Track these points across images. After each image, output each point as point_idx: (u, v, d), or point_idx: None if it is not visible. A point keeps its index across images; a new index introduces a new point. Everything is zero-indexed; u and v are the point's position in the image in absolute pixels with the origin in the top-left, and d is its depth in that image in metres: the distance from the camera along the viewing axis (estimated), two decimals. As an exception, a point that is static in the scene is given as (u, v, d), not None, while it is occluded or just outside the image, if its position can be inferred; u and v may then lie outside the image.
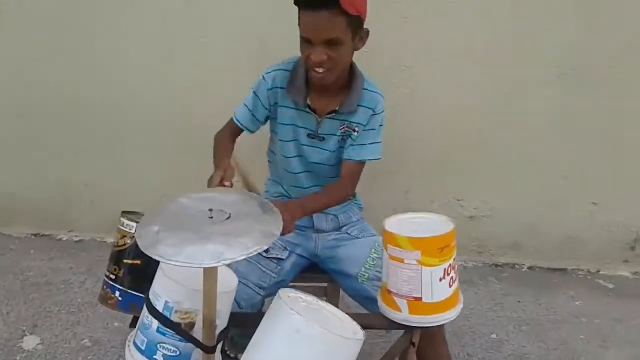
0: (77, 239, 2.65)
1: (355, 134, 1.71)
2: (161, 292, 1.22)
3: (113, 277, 1.39)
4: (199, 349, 1.24)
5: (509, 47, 2.23)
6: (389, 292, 1.43)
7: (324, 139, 1.70)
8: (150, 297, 1.25)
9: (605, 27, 2.21)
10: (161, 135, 2.46)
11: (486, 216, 2.51)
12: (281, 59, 1.79)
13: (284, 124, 1.71)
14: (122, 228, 1.40)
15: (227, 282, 1.29)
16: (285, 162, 1.77)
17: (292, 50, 2.10)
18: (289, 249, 1.76)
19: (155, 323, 1.23)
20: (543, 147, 2.41)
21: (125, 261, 1.38)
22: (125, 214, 1.44)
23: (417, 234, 1.39)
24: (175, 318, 1.21)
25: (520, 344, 2.20)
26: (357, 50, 1.59)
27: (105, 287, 1.41)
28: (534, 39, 2.22)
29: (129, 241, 1.38)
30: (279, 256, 1.73)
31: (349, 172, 1.73)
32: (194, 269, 1.28)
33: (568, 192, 2.49)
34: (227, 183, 1.42)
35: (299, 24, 1.53)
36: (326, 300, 1.85)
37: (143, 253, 1.31)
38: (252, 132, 1.74)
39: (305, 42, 1.52)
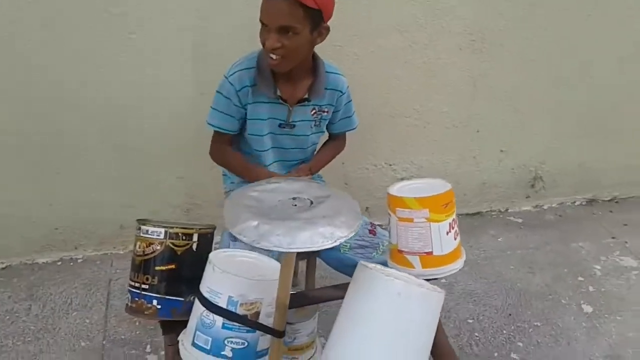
0: (3, 266, 2.41)
1: (326, 114, 1.81)
2: (221, 288, 1.23)
3: (146, 286, 1.35)
4: (264, 337, 1.28)
5: (428, 21, 2.43)
6: (400, 251, 1.55)
7: (294, 125, 1.77)
8: (207, 295, 1.25)
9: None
10: (88, 144, 2.30)
11: (415, 175, 2.72)
12: (219, 54, 1.82)
13: (257, 119, 1.74)
14: (146, 236, 1.36)
15: (276, 272, 1.32)
16: (256, 155, 1.82)
17: (230, 43, 2.13)
18: None
19: (220, 320, 1.24)
20: (458, 106, 2.66)
21: (157, 268, 1.35)
22: (142, 221, 1.39)
23: (423, 194, 1.53)
24: (241, 311, 1.23)
25: (467, 282, 2.47)
26: (315, 44, 1.66)
27: (136, 298, 1.37)
28: (446, 11, 2.43)
29: (158, 247, 1.35)
30: None
31: (342, 139, 2.00)
32: (246, 259, 1.34)
33: (481, 144, 2.79)
34: None
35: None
36: (306, 272, 1.97)
37: (175, 256, 1.35)
38: (237, 134, 1.75)
39: (262, 25, 1.58)
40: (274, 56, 1.57)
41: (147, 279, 1.35)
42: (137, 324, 2.13)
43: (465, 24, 2.49)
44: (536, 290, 2.46)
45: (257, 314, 1.24)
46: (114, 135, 2.30)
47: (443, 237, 1.55)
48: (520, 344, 2.17)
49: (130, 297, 1.38)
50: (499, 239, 2.78)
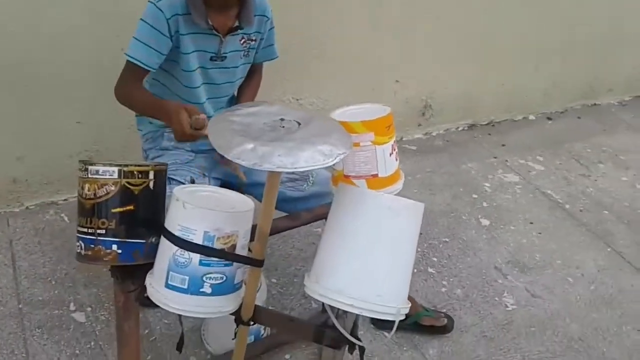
0: None
1: (254, 42, 1.74)
2: (195, 224, 1.18)
3: (102, 231, 1.24)
4: (241, 269, 1.25)
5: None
6: (347, 176, 1.57)
7: (225, 57, 1.69)
8: (179, 234, 1.18)
9: None
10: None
11: (321, 108, 2.75)
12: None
13: (187, 53, 1.62)
14: (96, 177, 1.24)
15: (246, 202, 1.28)
16: (188, 92, 1.70)
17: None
18: (206, 174, 1.75)
19: (196, 257, 1.19)
20: (353, 40, 2.70)
21: (114, 210, 1.24)
22: (87, 162, 1.27)
23: (365, 117, 1.56)
24: (218, 245, 1.19)
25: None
26: None
27: (91, 245, 1.25)
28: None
29: (112, 188, 1.24)
30: (204, 184, 1.71)
31: (260, 71, 1.90)
32: (210, 193, 1.28)
33: (378, 76, 2.87)
34: (202, 116, 1.35)
35: None
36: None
37: (132, 196, 1.26)
38: (155, 70, 1.61)
39: None
40: None
41: (103, 223, 1.24)
42: (53, 282, 1.97)
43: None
44: (439, 209, 2.65)
45: (234, 246, 1.21)
46: (1, 77, 2.03)
47: (387, 159, 1.60)
48: (435, 259, 2.34)
49: (83, 245, 1.26)
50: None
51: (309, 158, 0.96)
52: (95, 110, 2.21)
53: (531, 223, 2.63)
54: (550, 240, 2.53)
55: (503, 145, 3.24)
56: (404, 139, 3.17)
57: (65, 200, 2.35)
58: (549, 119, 3.60)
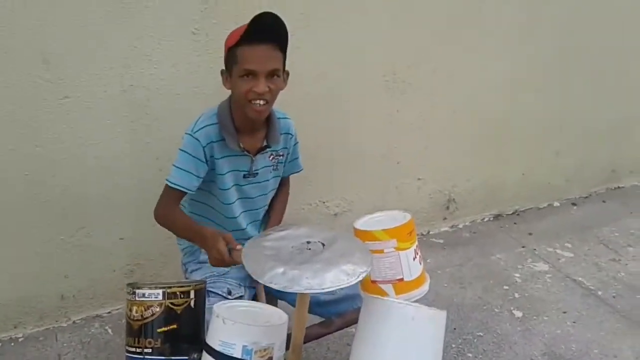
0: None
1: (282, 157, 1.91)
2: (234, 339, 1.27)
3: (149, 350, 1.35)
4: (279, 380, 1.32)
5: (345, 66, 2.62)
6: (374, 282, 1.66)
7: (257, 173, 1.85)
8: (220, 349, 1.27)
9: None
10: (16, 210, 2.20)
11: (347, 210, 2.88)
12: (154, 112, 1.93)
13: (222, 174, 1.78)
14: (143, 299, 1.36)
15: (281, 316, 1.37)
16: (225, 208, 1.85)
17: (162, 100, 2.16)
18: (241, 284, 1.85)
19: (236, 371, 1.26)
20: (374, 141, 2.86)
21: (159, 330, 1.35)
22: (135, 285, 1.39)
23: (389, 225, 1.67)
24: (255, 358, 1.27)
25: (409, 306, 2.63)
26: (282, 89, 1.74)
27: (139, 364, 1.35)
28: (360, 55, 2.65)
29: (157, 309, 1.35)
30: (240, 294, 1.81)
31: (288, 183, 2.07)
32: (246, 308, 1.38)
33: (400, 174, 3.00)
34: (238, 247, 1.48)
35: (234, 63, 1.64)
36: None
37: (176, 316, 1.36)
38: (193, 192, 1.76)
39: (246, 76, 1.63)
40: (260, 102, 1.64)
41: (150, 342, 1.34)
42: (99, 396, 2.05)
43: (377, 65, 2.71)
44: (471, 303, 2.67)
45: (271, 358, 1.29)
46: (47, 199, 2.22)
47: (411, 263, 1.69)
48: (470, 355, 2.35)
49: (132, 365, 1.36)
50: (428, 260, 2.98)
51: (334, 278, 1.06)
52: (137, 226, 2.37)
53: (564, 312, 2.63)
54: (585, 329, 2.52)
55: (530, 234, 3.29)
56: (430, 232, 3.24)
57: (109, 313, 2.46)
58: (574, 204, 3.65)
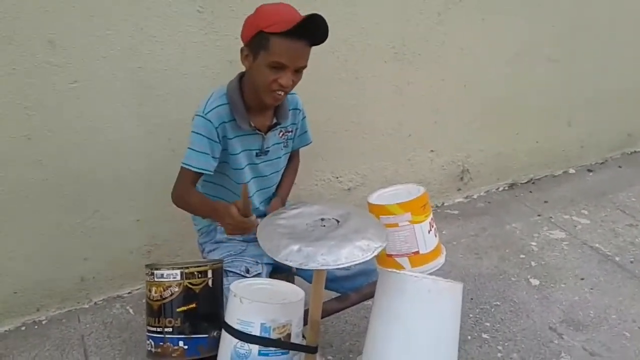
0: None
1: (291, 133, 1.91)
2: (253, 317, 1.28)
3: (170, 329, 1.37)
4: (297, 356, 1.34)
5: (355, 40, 2.59)
6: (389, 255, 1.67)
7: (268, 151, 1.85)
8: (238, 327, 1.29)
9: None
10: (34, 194, 2.22)
11: (360, 185, 2.87)
12: (163, 93, 1.95)
13: (236, 154, 1.79)
14: (162, 280, 1.38)
15: (297, 293, 1.38)
16: (239, 188, 1.83)
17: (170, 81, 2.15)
18: (258, 261, 1.86)
19: (255, 348, 1.29)
20: (386, 114, 2.84)
21: (178, 310, 1.37)
22: (153, 266, 1.41)
23: (403, 199, 1.66)
24: (274, 335, 1.29)
25: (425, 277, 2.64)
26: None
27: (160, 343, 1.38)
28: (370, 29, 2.62)
29: (176, 289, 1.37)
30: (258, 271, 1.82)
31: (297, 156, 2.09)
32: (263, 286, 1.39)
33: (412, 147, 2.99)
34: (252, 217, 1.50)
35: (262, 49, 1.61)
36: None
37: (194, 295, 1.38)
38: (212, 173, 1.77)
39: (275, 67, 1.62)
40: (282, 92, 1.65)
41: (170, 321, 1.37)
42: (123, 375, 2.09)
43: (387, 38, 2.68)
44: (487, 272, 2.67)
45: (289, 335, 1.31)
46: (61, 183, 2.23)
47: (426, 236, 1.69)
48: (488, 324, 2.36)
49: (152, 343, 1.39)
50: (444, 232, 2.98)
51: (349, 254, 1.06)
52: (152, 207, 2.38)
53: (582, 279, 2.62)
54: (603, 295, 2.51)
55: (545, 202, 3.27)
56: (444, 204, 3.24)
57: (129, 293, 2.50)
58: (590, 170, 3.62)
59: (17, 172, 2.14)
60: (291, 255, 1.07)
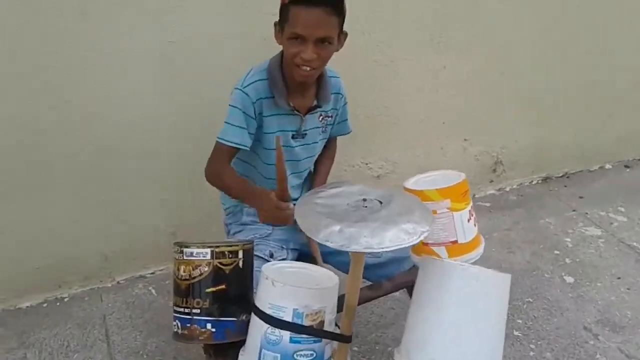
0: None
1: (331, 119, 1.83)
2: (285, 302, 1.22)
3: (197, 310, 1.31)
4: (329, 344, 1.27)
5: (389, 21, 2.51)
6: (426, 244, 1.58)
7: (306, 134, 1.77)
8: (270, 312, 1.23)
9: None
10: (58, 169, 2.18)
11: (390, 172, 2.79)
12: (193, 69, 1.92)
13: (270, 133, 1.70)
14: (191, 258, 1.32)
15: (331, 278, 1.32)
16: (267, 169, 1.77)
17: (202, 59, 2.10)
18: (284, 246, 1.79)
19: (287, 334, 1.22)
20: (419, 100, 2.75)
21: (207, 290, 1.31)
22: (182, 244, 1.35)
23: (442, 185, 1.58)
24: (307, 322, 1.22)
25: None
26: (337, 51, 1.65)
27: (187, 324, 1.32)
28: (406, 10, 2.52)
29: (205, 269, 1.31)
30: (283, 256, 1.75)
31: (335, 144, 1.98)
32: (296, 269, 1.33)
33: (446, 135, 2.89)
34: (290, 205, 1.43)
35: (285, 21, 1.54)
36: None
37: (224, 276, 1.32)
38: (248, 148, 1.69)
39: (295, 39, 1.54)
40: (307, 68, 1.55)
41: (198, 302, 1.31)
42: (144, 357, 2.04)
43: (422, 21, 2.59)
44: (520, 268, 2.58)
45: (322, 322, 1.24)
46: (85, 159, 2.19)
47: (465, 225, 1.60)
48: (520, 321, 2.27)
49: (179, 324, 1.33)
50: (474, 225, 2.89)
51: (394, 237, 0.99)
52: (178, 186, 2.33)
53: (618, 278, 2.51)
54: (641, 295, 2.41)
55: (581, 197, 3.15)
56: (476, 196, 3.13)
57: (152, 273, 2.45)
58: (627, 167, 3.49)
59: (41, 144, 2.10)
60: (332, 236, 0.99)
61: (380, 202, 1.10)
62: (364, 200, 1.11)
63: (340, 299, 1.32)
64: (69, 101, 2.08)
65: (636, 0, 3.10)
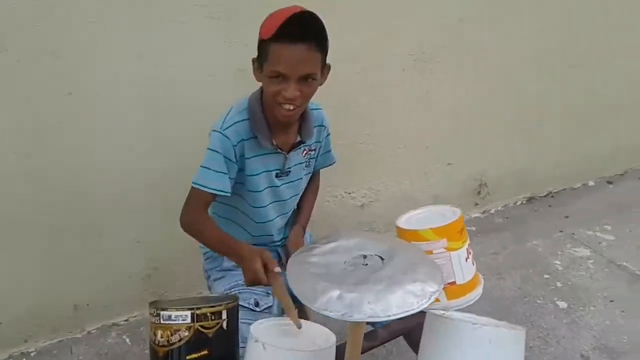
0: None
1: (314, 152, 1.72)
2: (277, 368, 1.09)
3: (177, 379, 1.17)
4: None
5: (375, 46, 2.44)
6: (423, 287, 1.49)
7: (289, 171, 1.65)
8: (260, 379, 1.10)
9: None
10: (25, 214, 2.03)
11: (374, 200, 2.69)
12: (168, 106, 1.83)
13: (254, 175, 1.58)
14: (168, 322, 1.18)
15: (328, 337, 1.20)
16: (255, 212, 1.65)
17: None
18: (269, 292, 1.66)
19: (281, 404, 1.09)
20: (401, 124, 2.67)
21: (188, 358, 1.17)
22: (157, 305, 1.21)
23: (437, 223, 1.48)
24: (302, 388, 1.10)
25: (445, 300, 2.46)
26: (320, 85, 1.52)
27: (166, 396, 1.18)
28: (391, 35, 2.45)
29: (185, 333, 1.18)
30: (269, 304, 1.63)
31: (318, 178, 1.87)
32: (288, 327, 1.20)
33: (429, 159, 2.82)
34: (276, 269, 1.31)
35: (264, 59, 1.43)
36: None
37: (207, 340, 1.18)
38: (229, 194, 1.55)
39: (276, 77, 1.42)
40: (290, 107, 1.43)
41: (178, 371, 1.17)
42: (120, 415, 1.90)
43: (408, 46, 2.52)
44: (511, 295, 2.50)
45: (319, 387, 1.12)
46: (55, 201, 2.04)
47: (463, 265, 1.50)
48: (516, 353, 2.18)
49: (156, 396, 1.19)
50: (461, 250, 2.81)
51: (401, 302, 0.88)
52: (154, 228, 2.19)
53: (611, 301, 2.45)
54: (636, 318, 2.34)
55: (566, 216, 3.10)
56: (461, 219, 3.06)
57: (126, 320, 2.30)
58: (609, 182, 3.46)
59: (9, 190, 1.96)
60: (331, 303, 0.87)
61: (382, 259, 0.99)
62: (364, 257, 0.99)
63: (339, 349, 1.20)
64: (37, 145, 1.95)
65: (617, 20, 3.10)
